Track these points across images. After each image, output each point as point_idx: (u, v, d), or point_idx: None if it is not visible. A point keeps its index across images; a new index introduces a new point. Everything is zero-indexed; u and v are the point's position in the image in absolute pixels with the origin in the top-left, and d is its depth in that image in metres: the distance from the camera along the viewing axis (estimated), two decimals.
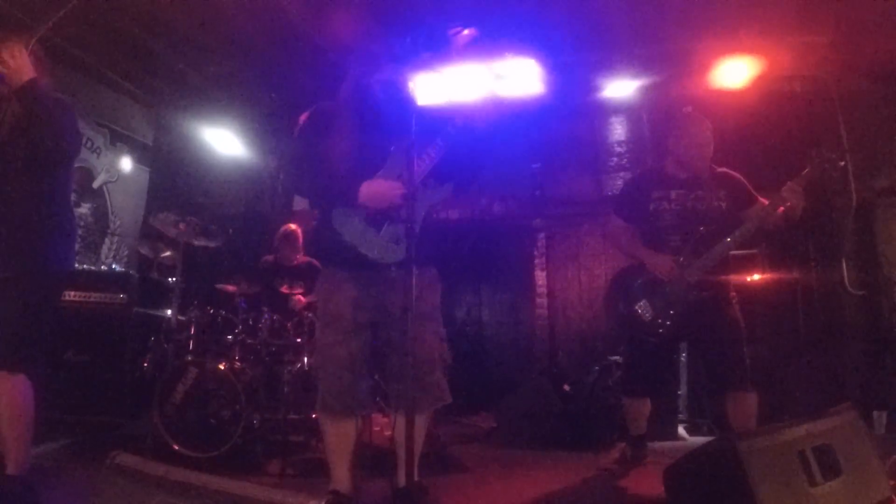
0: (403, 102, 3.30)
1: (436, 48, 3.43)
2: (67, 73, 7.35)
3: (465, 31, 3.52)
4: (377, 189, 3.30)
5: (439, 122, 3.41)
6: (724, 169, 4.48)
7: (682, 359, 6.08)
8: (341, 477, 3.40)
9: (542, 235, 7.87)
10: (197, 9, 6.24)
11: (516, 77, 5.98)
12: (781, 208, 4.08)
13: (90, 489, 2.27)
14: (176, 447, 4.73)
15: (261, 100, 8.12)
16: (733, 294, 4.37)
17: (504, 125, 3.51)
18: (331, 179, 3.39)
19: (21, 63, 3.31)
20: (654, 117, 7.49)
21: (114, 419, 5.56)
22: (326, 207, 3.49)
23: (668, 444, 5.32)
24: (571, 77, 6.91)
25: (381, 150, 3.40)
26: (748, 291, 5.75)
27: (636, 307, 4.41)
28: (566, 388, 6.11)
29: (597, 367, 6.10)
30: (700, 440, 5.36)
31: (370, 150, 3.39)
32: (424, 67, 3.37)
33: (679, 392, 6.15)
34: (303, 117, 3.56)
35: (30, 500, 3.32)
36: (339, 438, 3.42)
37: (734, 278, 4.55)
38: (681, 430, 5.95)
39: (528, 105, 6.11)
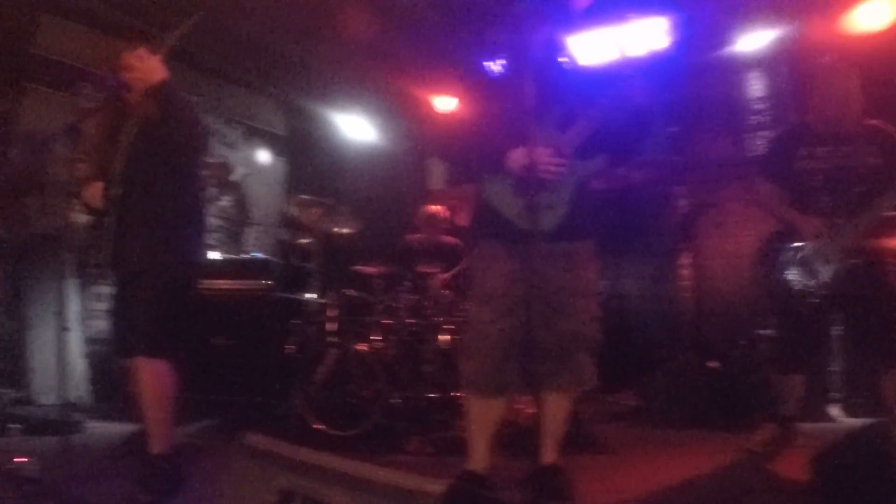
0: (557, 69, 3.24)
1: (563, 11, 3.35)
2: (197, 77, 7.73)
3: None
4: (523, 157, 3.14)
5: (594, 90, 3.26)
6: (877, 121, 4.13)
7: (837, 332, 5.67)
8: (479, 456, 3.35)
9: (683, 202, 7.51)
10: (311, 5, 6.39)
11: (645, 36, 5.80)
12: None
13: (223, 468, 2.33)
14: (318, 426, 4.85)
15: (391, 83, 8.15)
16: (891, 260, 4.01)
17: (642, 89, 3.35)
18: (481, 147, 3.34)
19: (151, 66, 3.45)
20: (793, 69, 7.05)
21: (259, 399, 5.69)
22: (477, 176, 3.46)
23: (819, 425, 5.02)
24: (702, 31, 6.59)
25: (534, 117, 3.16)
26: None
27: (785, 275, 4.14)
28: (712, 364, 5.88)
29: (744, 342, 5.85)
30: (855, 422, 5.05)
31: (522, 118, 3.17)
32: (564, 29, 3.30)
33: (833, 369, 5.69)
34: (452, 88, 3.54)
35: (173, 477, 3.49)
36: (483, 417, 3.37)
37: (892, 243, 4.17)
38: (834, 411, 5.58)
39: (660, 66, 5.89)
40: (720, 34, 6.89)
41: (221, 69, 7.84)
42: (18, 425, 5.17)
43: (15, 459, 3.65)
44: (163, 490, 3.38)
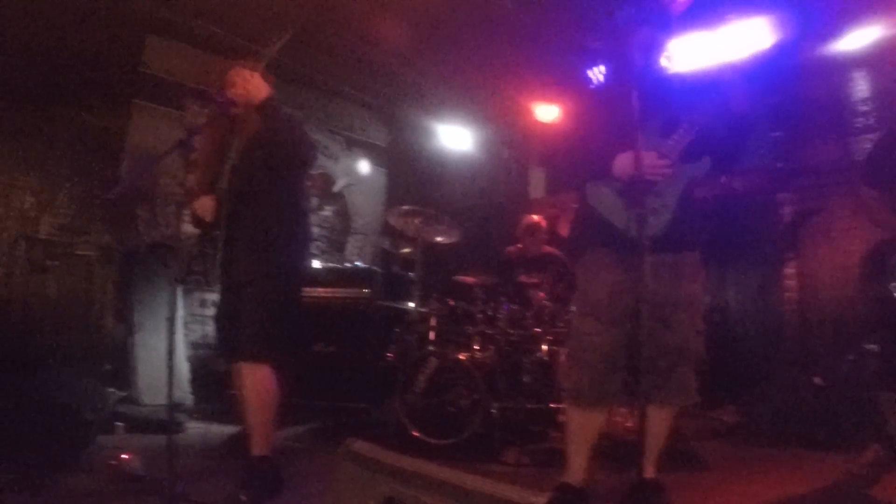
0: (660, 74, 3.23)
1: (654, 18, 3.33)
2: (300, 91, 8.03)
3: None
4: (629, 160, 3.12)
5: (697, 95, 3.23)
6: None
7: None
8: (577, 469, 3.34)
9: (787, 210, 7.29)
10: (411, 18, 6.51)
11: (745, 38, 5.65)
12: None
13: (326, 473, 2.39)
14: (416, 434, 4.91)
15: (492, 92, 8.18)
16: None
17: (744, 93, 3.30)
18: (585, 154, 3.36)
19: (254, 84, 3.56)
20: None
21: (359, 406, 5.85)
22: (580, 184, 3.44)
23: None
24: (804, 30, 6.31)
25: (637, 123, 3.10)
26: None
27: (892, 286, 4.00)
28: (817, 380, 5.71)
29: (851, 357, 5.63)
30: None
31: (625, 124, 3.13)
32: (664, 34, 3.29)
33: None
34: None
35: (273, 479, 3.60)
36: (583, 429, 3.36)
37: None
38: None
39: (762, 69, 5.73)
40: (824, 32, 6.67)
41: (323, 81, 8.07)
42: (123, 424, 5.40)
43: (119, 455, 3.84)
44: (263, 491, 3.48)
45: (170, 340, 3.61)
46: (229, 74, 3.70)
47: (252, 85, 3.56)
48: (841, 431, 5.15)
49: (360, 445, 2.28)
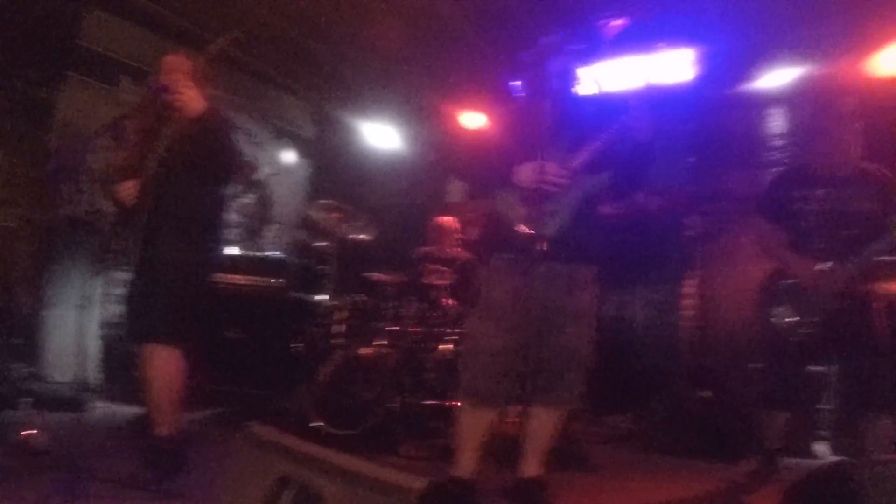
0: (572, 97, 3.42)
1: (589, 41, 3.53)
2: (232, 75, 7.91)
3: (616, 23, 3.57)
4: (527, 168, 3.38)
5: (608, 114, 3.46)
6: (877, 165, 4.20)
7: (830, 371, 5.73)
8: (465, 463, 3.49)
9: (695, 233, 7.58)
10: (354, 10, 6.53)
11: (671, 67, 5.90)
12: None
13: (226, 455, 2.49)
14: (318, 423, 4.98)
15: (418, 94, 8.33)
16: (880, 305, 4.08)
17: (661, 119, 3.52)
18: (495, 162, 3.55)
19: (191, 95, 3.67)
20: (809, 110, 7.16)
21: (265, 393, 5.85)
22: (490, 191, 3.66)
23: (802, 461, 5.08)
24: (727, 65, 6.69)
25: (549, 140, 3.43)
26: None
27: (777, 313, 4.26)
28: (705, 394, 6.00)
29: (740, 375, 5.95)
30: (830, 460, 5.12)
31: (535, 138, 3.44)
32: (582, 61, 3.48)
33: (823, 407, 5.79)
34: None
35: (176, 459, 3.66)
36: (473, 427, 3.51)
37: (885, 288, 4.24)
38: (821, 448, 5.66)
39: (683, 96, 5.96)
40: (744, 69, 7.03)
41: (255, 68, 8.00)
42: (30, 399, 5.29)
43: (23, 432, 3.86)
44: (165, 470, 3.54)
45: (81, 318, 3.64)
46: (165, 62, 3.77)
47: (188, 96, 3.64)
48: (725, 444, 5.43)
49: (260, 429, 2.39)
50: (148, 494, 3.23)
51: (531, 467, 3.54)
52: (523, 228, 3.39)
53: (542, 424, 3.51)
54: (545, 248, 3.17)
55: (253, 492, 2.21)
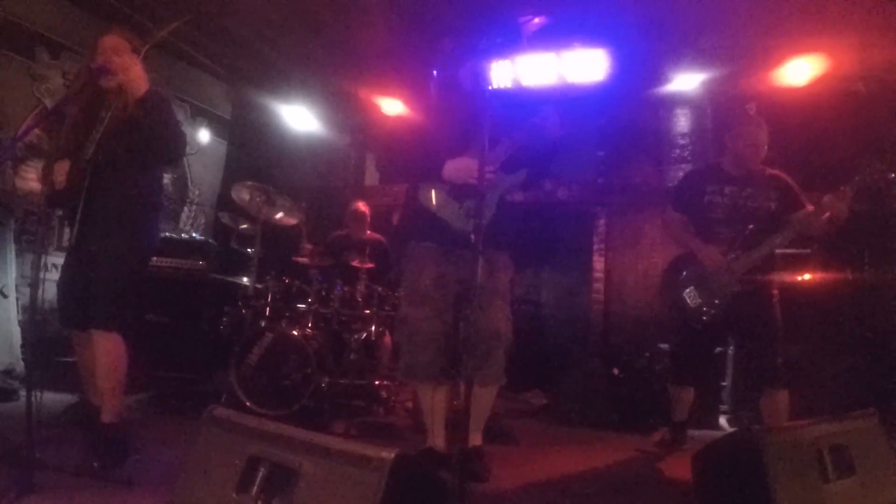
0: (487, 90, 3.62)
1: (507, 36, 3.74)
2: (151, 51, 7.75)
3: (535, 20, 3.80)
4: (458, 166, 3.65)
5: (521, 111, 3.71)
6: (777, 171, 4.60)
7: (730, 351, 6.12)
8: (435, 436, 3.82)
9: (602, 221, 8.03)
10: None
11: (584, 65, 6.15)
12: (826, 214, 4.18)
13: (187, 438, 2.54)
14: (249, 404, 5.09)
15: (336, 78, 8.41)
16: (775, 292, 4.49)
17: (573, 113, 3.78)
18: (420, 153, 3.78)
19: (136, 73, 3.66)
20: (717, 112, 7.58)
21: (190, 376, 5.94)
22: (412, 179, 3.90)
23: (707, 432, 5.43)
24: (639, 67, 6.96)
25: (467, 133, 3.69)
26: (798, 291, 5.85)
27: (683, 294, 4.60)
28: (616, 371, 6.36)
29: (647, 354, 6.33)
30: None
31: (457, 133, 3.72)
32: (500, 55, 3.67)
33: (724, 383, 6.26)
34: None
35: (121, 445, 3.66)
36: (431, 402, 3.80)
37: (781, 277, 4.68)
38: (722, 421, 6.08)
39: (595, 94, 6.20)
40: (654, 72, 7.43)
41: (174, 45, 7.87)
42: None
43: None
44: (113, 457, 3.52)
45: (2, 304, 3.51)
46: (102, 42, 3.77)
47: (134, 73, 3.62)
48: (634, 416, 5.87)
49: (222, 411, 2.49)
50: (99, 483, 3.17)
51: (476, 437, 3.81)
52: (454, 224, 3.69)
53: (483, 398, 3.76)
54: (476, 239, 3.38)
55: (224, 473, 2.29)
